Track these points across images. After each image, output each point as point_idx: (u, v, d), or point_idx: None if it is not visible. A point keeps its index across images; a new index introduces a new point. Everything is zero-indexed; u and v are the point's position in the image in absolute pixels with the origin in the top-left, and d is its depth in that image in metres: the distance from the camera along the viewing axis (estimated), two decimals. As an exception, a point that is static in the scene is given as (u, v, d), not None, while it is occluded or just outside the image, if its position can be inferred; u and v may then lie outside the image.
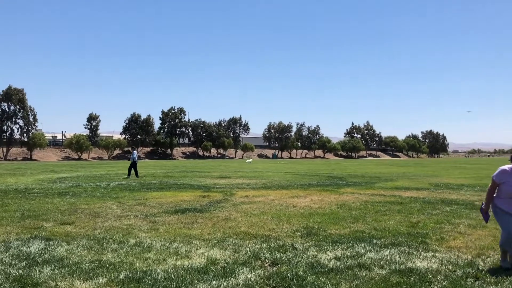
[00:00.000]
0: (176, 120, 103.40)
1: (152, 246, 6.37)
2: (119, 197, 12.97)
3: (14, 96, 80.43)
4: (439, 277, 4.95)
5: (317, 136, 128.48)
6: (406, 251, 6.10)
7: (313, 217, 9.10)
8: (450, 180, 22.09)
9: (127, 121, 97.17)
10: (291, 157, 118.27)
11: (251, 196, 13.15)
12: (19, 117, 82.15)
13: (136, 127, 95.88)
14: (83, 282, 4.74)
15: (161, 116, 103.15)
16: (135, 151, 24.14)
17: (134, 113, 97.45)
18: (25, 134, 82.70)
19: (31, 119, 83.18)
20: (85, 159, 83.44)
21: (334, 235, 7.26)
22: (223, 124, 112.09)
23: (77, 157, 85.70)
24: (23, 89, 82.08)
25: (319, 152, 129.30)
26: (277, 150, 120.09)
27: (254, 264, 5.46)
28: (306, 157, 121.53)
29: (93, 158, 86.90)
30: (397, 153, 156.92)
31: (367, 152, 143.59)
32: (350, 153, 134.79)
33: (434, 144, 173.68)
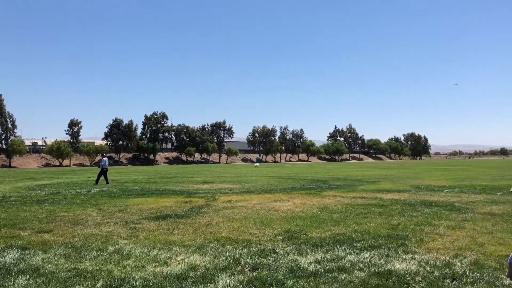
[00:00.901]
0: (159, 125, 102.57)
1: (132, 253, 6.28)
2: (99, 204, 12.78)
3: (-8, 102, 78.71)
4: (417, 278, 5.01)
5: (301, 139, 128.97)
6: (386, 253, 6.15)
7: (295, 221, 9.11)
8: (431, 182, 22.40)
9: (109, 127, 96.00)
10: (275, 161, 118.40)
11: (233, 201, 13.11)
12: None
13: (118, 132, 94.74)
14: (59, 292, 4.64)
15: (144, 121, 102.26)
16: (105, 158, 24.36)
17: (116, 119, 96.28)
18: (3, 141, 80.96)
19: (9, 126, 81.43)
20: (67, 166, 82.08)
21: (315, 238, 7.28)
22: (206, 129, 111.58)
23: (58, 163, 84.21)
24: (1, 95, 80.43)
25: (303, 156, 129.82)
26: (261, 154, 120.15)
27: (234, 269, 5.43)
28: (290, 161, 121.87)
29: (74, 165, 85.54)
30: (380, 156, 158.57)
31: (350, 155, 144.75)
32: (334, 156, 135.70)
33: (416, 147, 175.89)
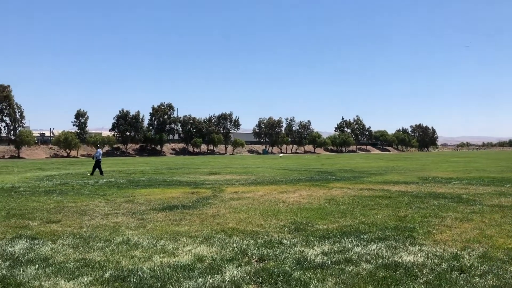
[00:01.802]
0: (166, 117, 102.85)
1: (139, 244, 6.32)
2: (107, 194, 12.86)
3: (0, 93, 79.26)
4: (424, 270, 4.98)
5: (308, 131, 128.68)
6: (393, 245, 6.12)
7: (302, 212, 9.10)
8: (439, 173, 22.27)
9: (116, 118, 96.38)
10: (281, 152, 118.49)
11: (240, 192, 13.13)
12: (5, 114, 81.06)
13: (125, 123, 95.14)
14: (68, 282, 4.68)
15: (151, 112, 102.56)
16: (99, 149, 24.50)
17: (123, 110, 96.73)
18: (12, 132, 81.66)
19: (18, 116, 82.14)
20: (74, 156, 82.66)
21: (322, 230, 7.26)
22: (213, 120, 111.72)
23: (65, 154, 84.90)
24: (9, 85, 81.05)
25: (309, 147, 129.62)
26: (267, 146, 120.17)
27: (241, 260, 5.44)
28: (296, 152, 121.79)
29: (81, 155, 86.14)
30: (387, 147, 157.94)
31: (357, 146, 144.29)
32: (340, 148, 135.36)
33: (424, 138, 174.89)
